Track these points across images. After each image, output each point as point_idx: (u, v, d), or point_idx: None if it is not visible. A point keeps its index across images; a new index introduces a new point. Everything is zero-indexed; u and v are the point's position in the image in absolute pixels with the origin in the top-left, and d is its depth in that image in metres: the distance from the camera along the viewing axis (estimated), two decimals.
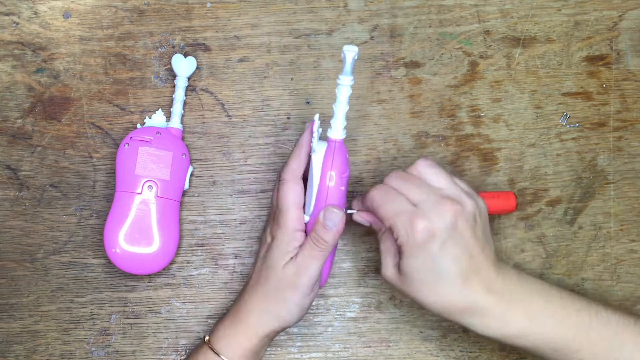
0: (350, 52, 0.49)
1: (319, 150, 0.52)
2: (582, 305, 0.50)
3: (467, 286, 0.48)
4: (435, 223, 0.48)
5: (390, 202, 0.50)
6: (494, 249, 0.51)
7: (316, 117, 0.51)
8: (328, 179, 0.51)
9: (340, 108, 0.51)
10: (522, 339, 0.49)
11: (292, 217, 0.52)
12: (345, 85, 0.50)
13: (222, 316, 0.56)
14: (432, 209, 0.48)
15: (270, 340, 0.55)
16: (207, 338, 0.55)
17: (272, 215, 0.56)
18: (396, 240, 0.49)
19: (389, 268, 0.51)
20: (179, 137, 0.61)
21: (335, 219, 0.51)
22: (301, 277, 0.52)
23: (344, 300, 0.61)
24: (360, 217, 0.54)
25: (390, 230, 0.49)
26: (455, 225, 0.48)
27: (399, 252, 0.49)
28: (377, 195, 0.51)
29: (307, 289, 0.52)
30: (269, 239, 0.54)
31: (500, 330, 0.49)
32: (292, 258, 0.52)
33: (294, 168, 0.53)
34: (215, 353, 0.53)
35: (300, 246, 0.52)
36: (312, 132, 0.52)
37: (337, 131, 0.51)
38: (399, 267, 0.50)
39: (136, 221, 0.57)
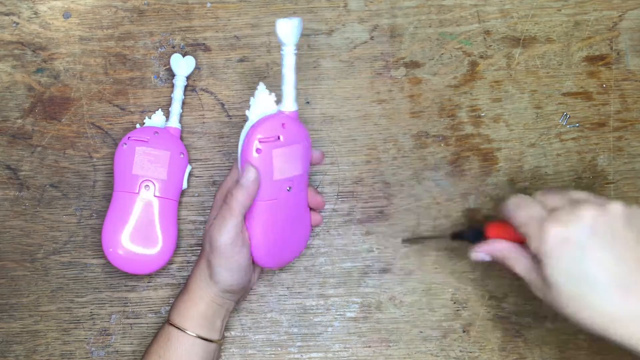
0: (284, 24, 0.48)
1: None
2: None
3: (628, 296, 0.43)
4: (569, 226, 0.45)
5: (524, 208, 0.48)
6: None
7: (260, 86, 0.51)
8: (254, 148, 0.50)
9: (288, 76, 0.50)
10: None
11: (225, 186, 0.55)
12: (288, 54, 0.49)
13: (179, 294, 0.57)
14: (567, 213, 0.45)
15: (224, 308, 0.55)
16: (169, 318, 0.55)
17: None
18: (530, 249, 0.47)
19: (537, 283, 0.47)
20: (177, 137, 0.61)
21: (249, 176, 0.50)
22: (216, 237, 0.51)
23: (344, 300, 0.61)
24: (482, 251, 0.52)
25: (525, 241, 0.47)
26: (595, 228, 0.44)
27: (539, 264, 0.46)
28: (513, 202, 0.49)
29: (225, 249, 0.51)
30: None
31: None
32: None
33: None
34: (172, 325, 0.54)
35: None
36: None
37: (288, 102, 0.51)
38: (542, 282, 0.47)
39: (134, 221, 0.57)
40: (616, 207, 0.45)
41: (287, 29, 0.49)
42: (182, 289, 0.56)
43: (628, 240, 0.44)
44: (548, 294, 0.46)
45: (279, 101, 0.52)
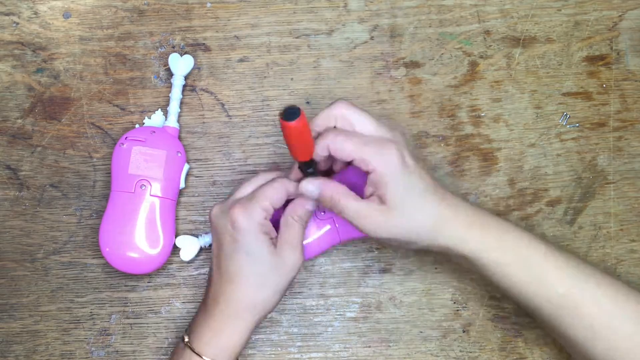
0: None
1: None
2: (543, 239, 0.52)
3: (443, 198, 0.51)
4: (402, 146, 0.50)
5: (349, 138, 0.49)
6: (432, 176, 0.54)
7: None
8: None
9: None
10: (490, 253, 0.50)
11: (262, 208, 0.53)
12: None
13: (197, 314, 0.54)
14: (390, 134, 0.50)
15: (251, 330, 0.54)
16: (186, 339, 0.53)
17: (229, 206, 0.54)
18: (369, 173, 0.49)
19: (371, 216, 0.50)
20: (175, 136, 0.61)
21: (313, 186, 0.51)
22: (287, 258, 0.52)
23: (344, 300, 0.61)
24: (305, 189, 0.52)
25: (358, 166, 0.49)
26: (408, 147, 0.51)
27: (375, 186, 0.49)
28: (333, 138, 0.49)
29: (292, 270, 0.53)
30: (229, 229, 0.52)
31: (471, 241, 0.50)
32: (271, 240, 0.52)
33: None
34: (198, 355, 0.51)
35: (268, 225, 0.53)
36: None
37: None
38: (380, 200, 0.49)
39: (131, 221, 0.57)
40: (405, 131, 0.55)
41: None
42: (209, 311, 0.53)
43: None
44: (387, 217, 0.49)
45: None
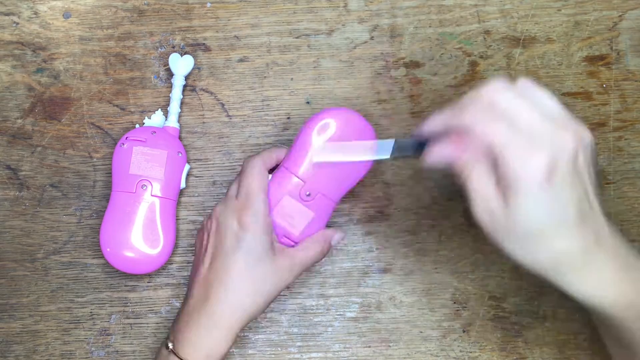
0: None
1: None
2: None
3: (583, 236, 0.40)
4: (559, 153, 0.38)
5: (495, 122, 0.38)
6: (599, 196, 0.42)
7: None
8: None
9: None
10: (617, 310, 0.41)
11: (263, 201, 0.53)
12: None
13: (180, 316, 0.52)
14: (551, 138, 0.39)
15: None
16: (170, 345, 0.51)
17: (232, 203, 0.53)
18: (502, 175, 0.39)
19: (485, 211, 0.40)
20: (176, 136, 0.61)
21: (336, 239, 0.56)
22: (284, 268, 0.52)
23: (344, 300, 0.61)
24: (439, 154, 0.41)
25: (491, 162, 0.39)
26: (576, 159, 0.39)
27: (504, 192, 0.39)
28: (475, 112, 0.39)
29: (285, 281, 0.53)
30: (235, 227, 0.51)
31: (596, 297, 0.41)
32: (272, 244, 0.52)
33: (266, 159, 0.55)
34: (178, 357, 0.50)
35: (282, 235, 0.54)
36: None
37: None
38: (502, 211, 0.39)
39: (131, 221, 0.57)
40: (588, 136, 0.40)
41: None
42: (194, 313, 0.51)
43: (591, 173, 0.41)
44: (500, 226, 0.40)
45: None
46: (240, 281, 0.51)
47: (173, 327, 0.52)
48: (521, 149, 0.38)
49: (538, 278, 0.42)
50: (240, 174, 0.55)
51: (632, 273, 0.42)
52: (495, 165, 0.39)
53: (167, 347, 0.51)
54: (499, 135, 0.38)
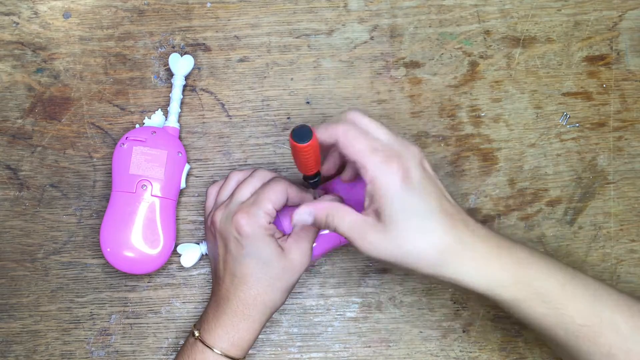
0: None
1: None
2: (561, 266, 0.49)
3: (453, 225, 0.46)
4: (408, 161, 0.46)
5: (361, 138, 0.46)
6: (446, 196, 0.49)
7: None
8: None
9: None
10: (506, 289, 0.47)
11: (265, 212, 0.53)
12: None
13: (209, 310, 0.55)
14: (400, 148, 0.47)
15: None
16: (197, 334, 0.54)
17: (233, 208, 0.54)
18: (367, 183, 0.46)
19: (366, 232, 0.46)
20: (176, 136, 0.61)
21: (306, 215, 0.49)
22: (295, 259, 0.53)
23: (344, 300, 0.61)
24: (303, 212, 0.49)
25: (358, 172, 0.47)
26: (423, 164, 0.47)
27: (372, 198, 0.46)
28: (345, 131, 0.47)
29: (300, 270, 0.54)
30: (235, 234, 0.53)
31: (484, 278, 0.46)
32: (277, 242, 0.53)
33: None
34: (210, 347, 0.53)
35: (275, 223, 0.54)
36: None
37: None
38: (375, 224, 0.46)
39: (131, 221, 0.57)
40: (421, 151, 0.48)
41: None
42: (221, 307, 0.54)
43: (438, 179, 0.49)
44: (383, 236, 0.45)
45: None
46: (255, 281, 0.53)
47: (201, 320, 0.55)
48: (378, 159, 0.46)
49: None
50: (258, 184, 0.55)
51: (511, 252, 0.47)
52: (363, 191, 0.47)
53: (194, 335, 0.53)
54: (360, 147, 0.46)
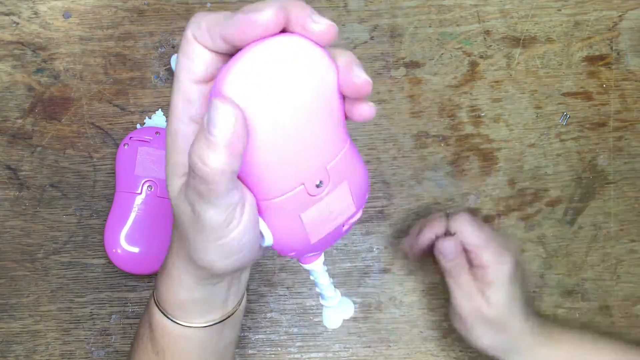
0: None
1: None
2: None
3: (525, 315, 0.54)
4: (513, 262, 0.53)
5: (479, 230, 0.54)
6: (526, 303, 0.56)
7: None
8: None
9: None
10: None
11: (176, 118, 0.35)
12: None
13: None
14: (511, 249, 0.54)
15: (224, 283, 0.40)
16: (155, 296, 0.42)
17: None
18: (482, 275, 0.53)
19: (467, 302, 0.54)
20: None
21: (226, 120, 0.29)
22: (196, 215, 0.33)
23: None
24: (450, 245, 0.55)
25: (475, 263, 0.54)
26: (516, 268, 0.54)
27: (483, 288, 0.53)
28: (465, 223, 0.54)
29: (210, 232, 0.33)
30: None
31: None
32: (185, 178, 0.34)
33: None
34: (164, 314, 0.41)
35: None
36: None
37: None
38: (481, 302, 0.53)
39: (136, 221, 0.57)
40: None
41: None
42: (163, 263, 0.41)
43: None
44: (482, 313, 0.53)
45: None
46: (174, 229, 0.40)
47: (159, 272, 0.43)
48: (495, 251, 0.53)
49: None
50: None
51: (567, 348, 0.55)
52: (473, 266, 0.54)
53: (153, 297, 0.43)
54: (480, 238, 0.54)
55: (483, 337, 0.54)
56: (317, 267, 0.40)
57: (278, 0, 0.29)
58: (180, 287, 0.39)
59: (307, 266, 0.40)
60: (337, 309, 0.43)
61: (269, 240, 0.35)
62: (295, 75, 0.30)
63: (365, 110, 0.33)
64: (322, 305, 0.44)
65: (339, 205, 0.35)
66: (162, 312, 0.41)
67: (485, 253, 0.53)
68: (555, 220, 0.62)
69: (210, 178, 0.30)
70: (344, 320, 0.44)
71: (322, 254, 0.40)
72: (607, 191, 0.63)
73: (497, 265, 0.53)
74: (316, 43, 0.30)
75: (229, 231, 0.33)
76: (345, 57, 0.31)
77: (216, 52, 0.31)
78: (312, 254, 0.39)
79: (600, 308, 0.62)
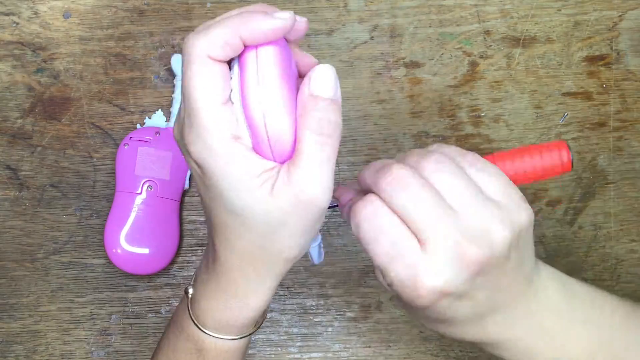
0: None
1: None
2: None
3: (483, 323, 0.38)
4: (449, 280, 0.33)
5: (383, 234, 0.34)
6: (532, 261, 0.38)
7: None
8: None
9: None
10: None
11: (214, 118, 0.32)
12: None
13: (200, 272, 0.40)
14: (448, 257, 0.32)
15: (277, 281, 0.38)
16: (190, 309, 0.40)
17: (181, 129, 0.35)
18: (388, 285, 0.37)
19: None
20: None
21: (331, 78, 0.32)
22: (312, 196, 0.32)
23: (344, 300, 0.61)
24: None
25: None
26: (478, 275, 0.33)
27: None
28: (365, 218, 0.35)
29: (320, 215, 0.34)
30: (197, 170, 0.34)
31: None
32: (267, 181, 0.33)
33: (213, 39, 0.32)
34: (209, 335, 0.39)
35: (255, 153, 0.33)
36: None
37: None
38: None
39: (136, 221, 0.57)
40: (505, 235, 0.35)
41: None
42: (212, 278, 0.38)
43: (507, 270, 0.37)
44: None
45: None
46: (238, 245, 0.36)
47: (196, 283, 0.41)
48: (404, 272, 0.36)
49: None
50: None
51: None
52: None
53: (188, 308, 0.40)
54: (382, 250, 0.37)
55: (466, 331, 0.40)
56: None
57: (270, 5, 0.33)
58: (255, 302, 0.37)
59: None
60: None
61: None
62: (291, 63, 0.35)
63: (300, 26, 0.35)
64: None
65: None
66: (221, 338, 0.39)
67: (379, 261, 0.38)
68: (555, 220, 0.62)
69: (339, 134, 0.33)
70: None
71: None
72: (607, 191, 0.63)
73: (403, 286, 0.37)
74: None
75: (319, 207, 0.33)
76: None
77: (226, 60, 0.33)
78: None
79: None
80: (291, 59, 0.36)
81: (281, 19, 0.32)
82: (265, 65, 0.32)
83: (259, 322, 0.41)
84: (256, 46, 0.32)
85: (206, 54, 0.32)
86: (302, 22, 0.34)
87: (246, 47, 0.32)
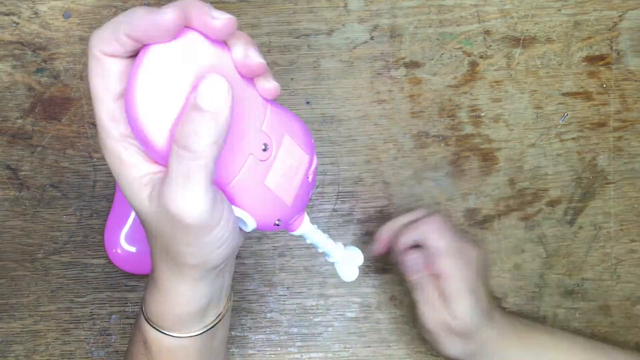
0: None
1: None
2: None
3: (493, 328, 0.53)
4: (477, 263, 0.53)
5: (441, 237, 0.53)
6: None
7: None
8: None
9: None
10: None
11: (105, 115, 0.33)
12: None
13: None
14: (467, 252, 0.53)
15: (216, 284, 0.39)
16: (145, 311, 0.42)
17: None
18: (443, 280, 0.52)
19: (434, 315, 0.52)
20: None
21: (217, 91, 0.30)
22: (175, 211, 0.31)
23: (344, 300, 0.61)
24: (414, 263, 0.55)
25: (436, 270, 0.52)
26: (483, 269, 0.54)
27: (447, 298, 0.52)
28: (431, 224, 0.54)
29: (202, 229, 0.32)
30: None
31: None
32: (148, 185, 0.33)
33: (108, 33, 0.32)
34: (152, 326, 0.41)
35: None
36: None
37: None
38: (447, 315, 0.52)
39: (136, 221, 0.57)
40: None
41: None
42: (150, 280, 0.40)
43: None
44: (450, 325, 0.52)
45: None
46: (152, 242, 0.37)
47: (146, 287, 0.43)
48: (458, 262, 0.52)
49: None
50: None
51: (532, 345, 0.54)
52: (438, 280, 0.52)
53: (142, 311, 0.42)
54: (443, 248, 0.53)
55: (451, 348, 0.52)
56: (306, 228, 0.41)
57: (179, 1, 0.31)
58: (176, 300, 0.38)
59: (297, 232, 0.41)
60: (346, 260, 0.45)
61: (251, 223, 0.36)
62: (193, 68, 0.32)
63: (267, 87, 0.35)
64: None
65: (292, 158, 0.37)
66: (158, 330, 0.40)
67: (445, 260, 0.52)
68: (555, 220, 0.62)
69: (203, 151, 0.30)
70: (360, 268, 0.46)
71: (305, 213, 0.41)
72: (607, 191, 0.63)
73: (458, 274, 0.51)
74: (206, 36, 0.32)
75: (215, 221, 0.33)
76: (242, 43, 0.33)
77: (126, 58, 0.32)
78: (295, 218, 0.40)
79: (600, 308, 0.62)
80: (217, 64, 0.33)
81: (162, 15, 0.30)
82: (146, 65, 0.31)
83: (206, 327, 0.41)
84: (148, 45, 0.31)
85: (98, 49, 0.32)
86: (220, 20, 0.31)
87: (144, 45, 0.31)
